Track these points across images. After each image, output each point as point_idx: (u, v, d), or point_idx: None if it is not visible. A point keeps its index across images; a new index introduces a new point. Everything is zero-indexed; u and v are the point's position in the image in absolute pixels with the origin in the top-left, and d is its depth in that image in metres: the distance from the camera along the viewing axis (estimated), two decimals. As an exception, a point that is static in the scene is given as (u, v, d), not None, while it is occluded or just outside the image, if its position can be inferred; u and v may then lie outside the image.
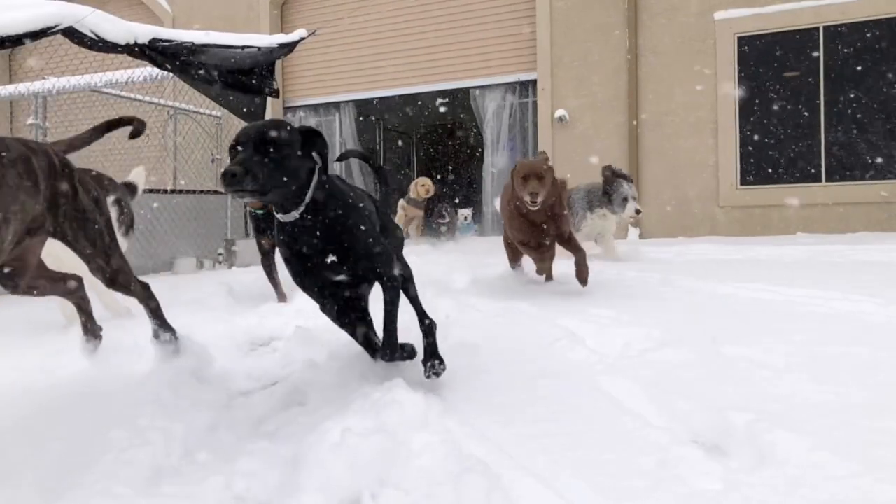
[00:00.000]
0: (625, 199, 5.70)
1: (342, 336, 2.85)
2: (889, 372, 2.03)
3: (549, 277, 4.29)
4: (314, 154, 1.98)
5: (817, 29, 8.11)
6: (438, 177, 12.60)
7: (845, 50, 8.03)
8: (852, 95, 8.02)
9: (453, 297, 3.76)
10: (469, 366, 2.36)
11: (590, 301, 3.52)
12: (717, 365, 2.22)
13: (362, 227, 2.02)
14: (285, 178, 1.84)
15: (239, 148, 1.83)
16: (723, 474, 1.45)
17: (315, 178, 1.97)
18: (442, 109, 11.12)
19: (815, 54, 8.14)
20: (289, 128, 1.90)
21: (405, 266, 2.35)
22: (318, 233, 1.97)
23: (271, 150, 1.81)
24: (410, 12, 10.19)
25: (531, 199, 3.47)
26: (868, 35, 7.96)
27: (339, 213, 1.99)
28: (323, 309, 2.22)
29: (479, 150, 10.60)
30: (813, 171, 8.15)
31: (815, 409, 1.76)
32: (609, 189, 5.71)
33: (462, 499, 1.36)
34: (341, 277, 2.05)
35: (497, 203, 9.47)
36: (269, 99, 5.92)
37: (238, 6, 10.79)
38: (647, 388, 2.03)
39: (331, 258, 1.99)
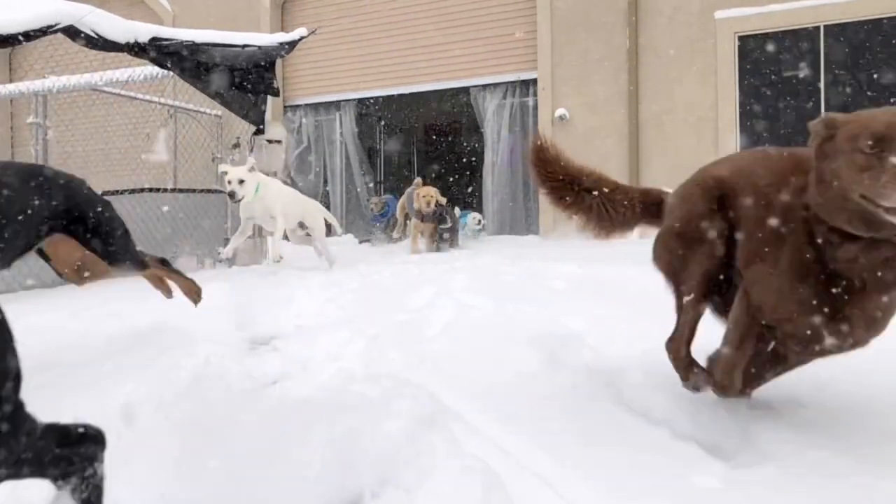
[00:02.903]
0: None
1: (342, 336, 2.86)
2: (889, 372, 2.03)
3: None
4: None
5: (818, 28, 8.10)
6: (436, 175, 12.54)
7: (846, 49, 8.02)
8: (853, 95, 8.01)
9: (453, 297, 3.75)
10: (469, 365, 2.36)
11: (591, 301, 3.51)
12: (717, 364, 2.21)
13: None
14: None
15: None
16: (723, 473, 1.45)
17: None
18: (442, 108, 11.09)
19: (816, 53, 8.13)
20: None
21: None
22: None
23: None
24: (411, 11, 10.18)
25: None
26: (868, 34, 7.95)
27: None
28: None
29: (480, 149, 10.59)
30: (813, 170, 8.15)
31: (815, 408, 1.76)
32: None
33: (462, 499, 1.36)
34: None
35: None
36: (269, 98, 5.93)
37: (238, 5, 10.78)
38: (648, 388, 2.03)
39: None
